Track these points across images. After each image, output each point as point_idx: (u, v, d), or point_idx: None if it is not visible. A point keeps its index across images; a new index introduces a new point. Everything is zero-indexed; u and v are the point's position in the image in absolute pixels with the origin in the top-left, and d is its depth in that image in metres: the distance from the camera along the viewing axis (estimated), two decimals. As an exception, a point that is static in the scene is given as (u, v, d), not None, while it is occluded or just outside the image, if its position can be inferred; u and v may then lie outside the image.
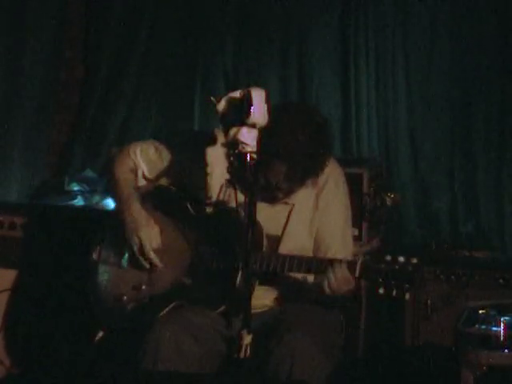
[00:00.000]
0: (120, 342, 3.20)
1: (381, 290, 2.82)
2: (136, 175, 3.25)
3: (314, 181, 3.08)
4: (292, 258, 2.96)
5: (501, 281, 3.88)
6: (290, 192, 3.09)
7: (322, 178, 3.12)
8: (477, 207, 4.71)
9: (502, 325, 3.26)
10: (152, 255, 3.11)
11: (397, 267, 2.80)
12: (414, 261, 2.81)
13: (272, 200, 3.09)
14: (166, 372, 2.87)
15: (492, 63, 4.71)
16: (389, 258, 2.83)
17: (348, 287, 2.92)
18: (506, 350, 3.21)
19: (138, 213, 3.13)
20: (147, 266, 3.12)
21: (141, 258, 3.12)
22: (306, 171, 3.00)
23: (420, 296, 3.92)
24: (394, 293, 2.80)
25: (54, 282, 4.05)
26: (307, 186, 3.10)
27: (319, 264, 2.93)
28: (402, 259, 2.81)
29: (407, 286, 2.79)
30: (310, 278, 3.06)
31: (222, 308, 3.00)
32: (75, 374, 3.90)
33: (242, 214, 2.95)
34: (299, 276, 3.04)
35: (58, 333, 4.03)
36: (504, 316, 3.29)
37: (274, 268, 2.95)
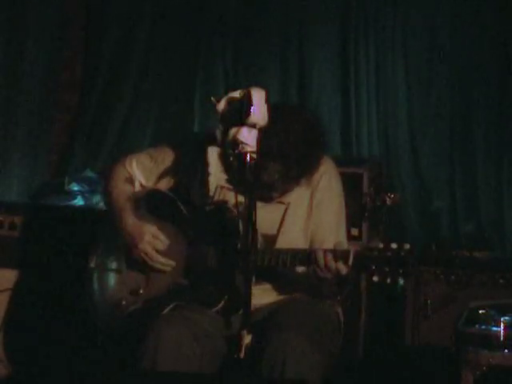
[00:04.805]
0: (120, 342, 3.20)
1: (375, 278, 2.81)
2: (133, 185, 3.24)
3: (308, 180, 3.09)
4: (286, 251, 2.96)
5: (501, 281, 3.88)
6: (284, 191, 3.10)
7: (315, 177, 3.11)
8: (477, 207, 4.71)
9: (501, 325, 3.26)
10: (161, 260, 3.09)
11: (389, 254, 2.81)
12: (407, 247, 2.82)
13: (267, 199, 3.09)
14: (165, 372, 2.86)
15: (492, 63, 4.72)
16: (381, 245, 2.83)
17: (340, 274, 2.91)
18: (505, 350, 3.22)
19: (132, 226, 3.11)
20: (166, 269, 3.11)
21: (154, 266, 3.11)
22: (300, 170, 3.01)
23: (420, 296, 3.93)
24: (389, 280, 2.79)
25: (54, 282, 4.05)
26: (302, 185, 3.10)
27: (313, 255, 2.91)
28: (394, 246, 2.82)
29: (400, 271, 2.79)
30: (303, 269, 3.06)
31: (221, 305, 3.00)
32: (75, 374, 3.89)
33: (236, 213, 2.96)
34: (294, 269, 3.04)
35: (58, 333, 4.03)
36: (504, 316, 3.30)
37: (269, 263, 2.95)
